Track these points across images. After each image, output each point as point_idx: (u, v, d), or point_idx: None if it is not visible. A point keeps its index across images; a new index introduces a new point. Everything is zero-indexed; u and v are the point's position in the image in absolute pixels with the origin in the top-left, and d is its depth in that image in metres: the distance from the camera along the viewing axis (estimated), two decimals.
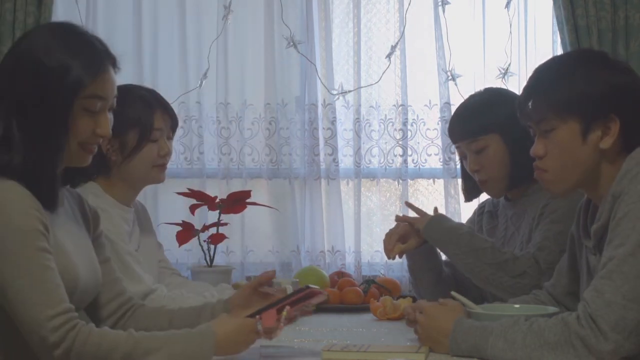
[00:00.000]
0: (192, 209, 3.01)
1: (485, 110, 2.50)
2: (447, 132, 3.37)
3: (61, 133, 1.72)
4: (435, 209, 2.62)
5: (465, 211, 3.26)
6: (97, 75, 1.74)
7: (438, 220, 2.51)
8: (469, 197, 2.68)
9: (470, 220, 2.72)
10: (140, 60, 3.48)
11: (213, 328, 1.73)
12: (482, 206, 2.71)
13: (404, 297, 2.73)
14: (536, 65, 2.03)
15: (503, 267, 2.35)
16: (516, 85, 3.31)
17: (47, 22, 3.40)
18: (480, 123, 2.47)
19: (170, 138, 2.50)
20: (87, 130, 1.75)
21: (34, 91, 1.71)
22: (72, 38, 1.77)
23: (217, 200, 2.99)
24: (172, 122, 2.49)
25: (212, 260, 2.95)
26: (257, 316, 1.77)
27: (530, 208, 2.47)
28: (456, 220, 3.35)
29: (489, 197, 2.68)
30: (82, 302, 1.86)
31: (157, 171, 2.46)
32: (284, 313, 1.81)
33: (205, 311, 2.00)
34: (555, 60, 2.08)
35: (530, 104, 1.93)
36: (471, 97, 2.63)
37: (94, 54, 1.76)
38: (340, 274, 3.23)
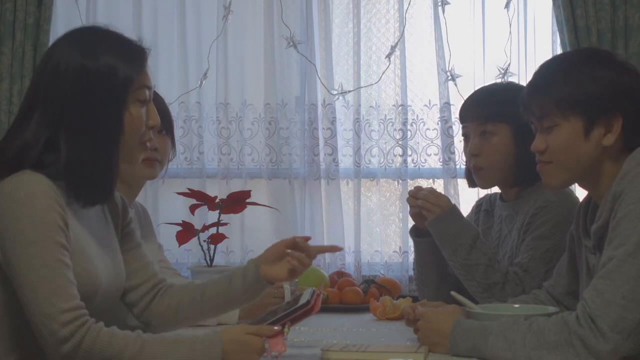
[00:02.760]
0: (192, 209, 3.01)
1: (506, 99, 2.43)
2: (447, 131, 3.39)
3: (118, 128, 1.77)
4: (454, 206, 2.49)
5: (464, 211, 3.24)
6: (142, 69, 1.80)
7: (443, 220, 2.43)
8: (472, 183, 2.61)
9: (468, 218, 2.70)
10: None
11: (221, 336, 1.73)
12: (479, 204, 2.69)
13: (404, 297, 2.73)
14: (536, 66, 2.03)
15: (491, 289, 2.34)
16: None
17: (45, 22, 3.41)
18: (496, 109, 2.44)
19: (161, 133, 2.40)
20: (142, 123, 1.81)
21: (84, 95, 1.74)
22: (106, 39, 1.81)
23: (217, 200, 2.98)
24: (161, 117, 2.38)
25: (212, 260, 2.94)
26: (264, 337, 1.77)
27: (522, 210, 2.45)
28: None
29: (486, 194, 2.67)
30: (104, 305, 1.86)
31: (142, 167, 2.33)
32: (286, 330, 1.81)
33: (236, 276, 1.99)
34: (560, 58, 2.08)
35: (533, 99, 1.93)
36: (494, 84, 2.62)
37: (133, 50, 1.81)
38: (340, 274, 3.23)
